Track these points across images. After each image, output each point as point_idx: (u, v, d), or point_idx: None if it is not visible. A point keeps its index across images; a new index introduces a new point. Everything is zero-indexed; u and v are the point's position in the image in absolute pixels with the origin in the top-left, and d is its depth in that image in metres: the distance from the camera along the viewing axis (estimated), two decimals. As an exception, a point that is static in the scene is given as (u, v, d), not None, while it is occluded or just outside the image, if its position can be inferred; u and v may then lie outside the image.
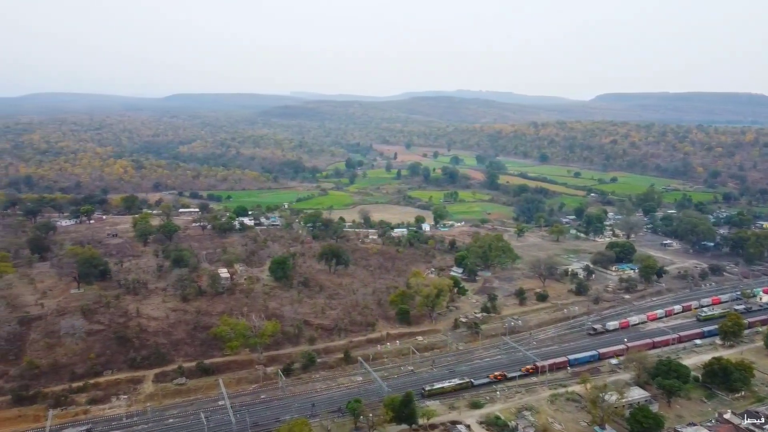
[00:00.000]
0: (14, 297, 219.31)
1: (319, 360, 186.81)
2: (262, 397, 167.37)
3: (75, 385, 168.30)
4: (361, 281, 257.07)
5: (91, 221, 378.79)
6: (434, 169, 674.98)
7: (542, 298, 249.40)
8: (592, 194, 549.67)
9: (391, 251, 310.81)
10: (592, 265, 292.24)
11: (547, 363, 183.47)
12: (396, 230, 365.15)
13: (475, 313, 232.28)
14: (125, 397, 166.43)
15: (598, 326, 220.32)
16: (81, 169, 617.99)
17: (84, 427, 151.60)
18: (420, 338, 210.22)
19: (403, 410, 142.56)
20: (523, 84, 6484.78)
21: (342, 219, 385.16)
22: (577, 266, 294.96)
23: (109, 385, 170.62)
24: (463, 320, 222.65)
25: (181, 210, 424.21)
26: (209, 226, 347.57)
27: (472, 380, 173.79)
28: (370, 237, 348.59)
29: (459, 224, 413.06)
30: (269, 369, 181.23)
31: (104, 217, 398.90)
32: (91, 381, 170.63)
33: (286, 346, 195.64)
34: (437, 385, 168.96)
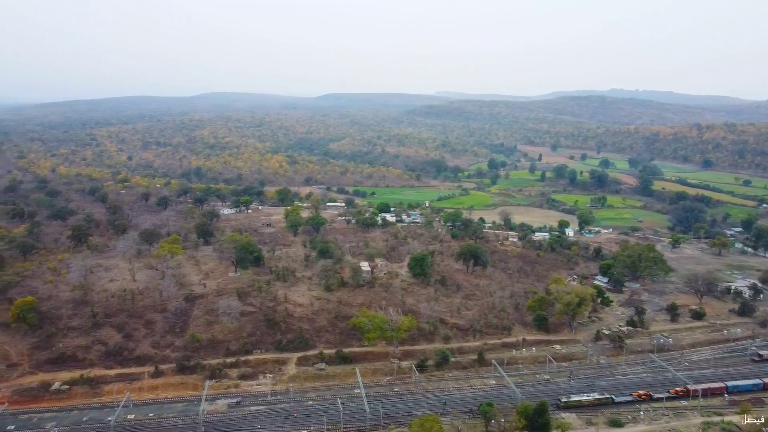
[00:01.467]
0: (182, 276, 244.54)
1: (452, 359, 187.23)
2: (396, 389, 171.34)
3: (229, 360, 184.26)
4: (499, 284, 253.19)
5: (249, 211, 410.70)
6: (581, 172, 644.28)
7: (698, 316, 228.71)
8: (765, 205, 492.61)
9: (532, 255, 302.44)
10: (760, 284, 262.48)
11: (700, 387, 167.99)
12: (537, 234, 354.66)
13: (620, 326, 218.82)
14: (271, 376, 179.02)
15: (764, 352, 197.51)
16: (242, 163, 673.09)
17: (235, 400, 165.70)
18: (558, 347, 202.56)
19: (537, 419, 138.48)
20: (686, 82, 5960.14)
21: (482, 219, 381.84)
22: (741, 284, 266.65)
23: (258, 364, 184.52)
24: (606, 332, 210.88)
25: (328, 204, 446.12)
26: (353, 221, 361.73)
27: (612, 396, 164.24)
28: (510, 239, 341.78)
29: (606, 231, 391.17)
30: (404, 363, 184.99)
31: (260, 207, 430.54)
32: (243, 358, 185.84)
33: (421, 342, 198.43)
34: (574, 398, 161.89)
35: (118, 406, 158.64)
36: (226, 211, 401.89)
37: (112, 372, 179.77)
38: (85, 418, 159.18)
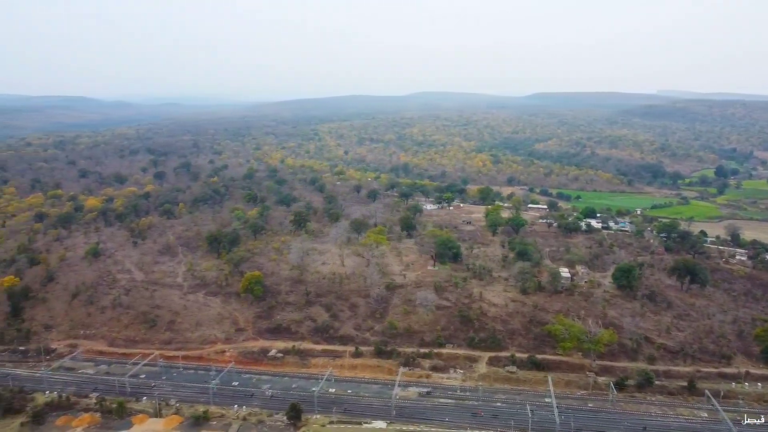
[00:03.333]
0: (385, 265, 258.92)
1: (657, 382, 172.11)
2: (590, 405, 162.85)
3: (422, 350, 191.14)
4: (720, 306, 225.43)
5: (451, 208, 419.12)
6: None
7: None
8: None
9: (764, 277, 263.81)
10: None
11: None
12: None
13: None
14: (461, 371, 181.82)
15: None
16: (447, 160, 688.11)
17: (426, 389, 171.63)
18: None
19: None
20: None
21: (703, 233, 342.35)
22: None
23: (449, 358, 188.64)
24: None
25: (530, 206, 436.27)
26: (555, 224, 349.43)
27: None
28: (738, 257, 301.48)
29: None
30: (600, 378, 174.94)
31: (461, 205, 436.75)
32: (435, 350, 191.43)
33: (621, 359, 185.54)
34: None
35: (321, 379, 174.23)
36: (429, 207, 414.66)
37: (319, 347, 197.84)
38: (294, 385, 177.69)
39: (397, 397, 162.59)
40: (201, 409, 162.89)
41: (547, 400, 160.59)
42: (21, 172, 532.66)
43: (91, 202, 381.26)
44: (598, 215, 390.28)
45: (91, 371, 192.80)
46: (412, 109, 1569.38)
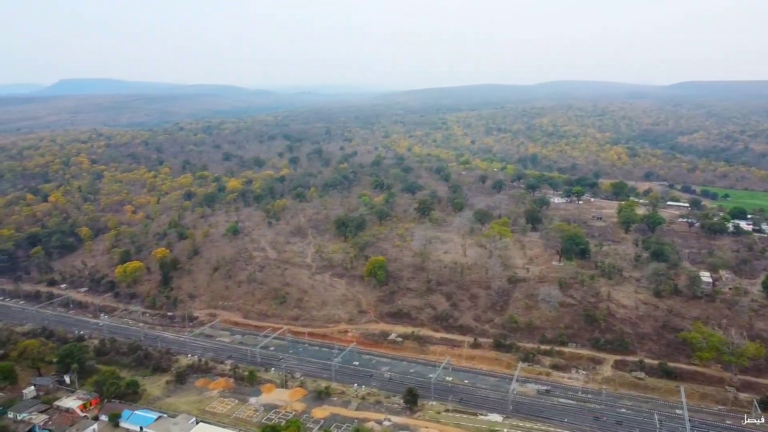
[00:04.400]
0: (507, 258, 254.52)
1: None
2: (728, 422, 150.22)
3: (543, 347, 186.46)
4: None
5: (580, 202, 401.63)
6: None
7: None
8: None
9: None
10: None
11: None
12: None
13: None
14: (584, 372, 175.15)
15: None
16: (578, 153, 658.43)
17: (545, 387, 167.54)
18: None
19: None
20: None
21: None
22: None
23: (572, 357, 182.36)
24: None
25: (668, 203, 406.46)
26: (697, 224, 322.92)
27: None
28: None
29: None
30: (742, 395, 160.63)
31: (592, 199, 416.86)
32: (557, 348, 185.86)
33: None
34: None
35: (439, 367, 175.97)
36: (557, 200, 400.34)
37: (438, 335, 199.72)
38: (411, 370, 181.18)
39: (515, 392, 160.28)
40: (323, 384, 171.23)
41: (677, 411, 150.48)
42: (174, 154, 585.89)
43: (233, 183, 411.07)
44: (749, 216, 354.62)
45: (226, 340, 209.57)
46: (543, 99, 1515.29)
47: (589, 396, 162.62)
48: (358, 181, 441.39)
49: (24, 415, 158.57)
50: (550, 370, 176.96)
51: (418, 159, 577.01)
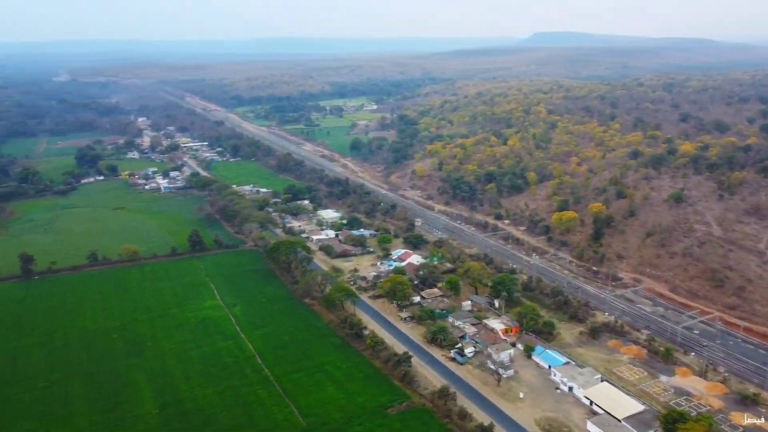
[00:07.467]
0: None
1: None
2: None
3: None
4: None
5: None
6: None
7: None
8: None
9: None
10: None
11: None
12: None
13: None
14: None
15: None
16: None
17: None
18: None
19: None
20: None
21: None
22: None
23: None
24: None
25: None
26: None
27: None
28: None
29: None
30: None
31: None
32: None
33: None
34: None
35: None
36: None
37: None
38: None
39: None
40: (751, 389, 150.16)
41: None
42: (628, 110, 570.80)
43: (686, 147, 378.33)
44: None
45: (647, 309, 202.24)
46: None
47: None
48: None
49: (460, 323, 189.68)
50: None
51: None
